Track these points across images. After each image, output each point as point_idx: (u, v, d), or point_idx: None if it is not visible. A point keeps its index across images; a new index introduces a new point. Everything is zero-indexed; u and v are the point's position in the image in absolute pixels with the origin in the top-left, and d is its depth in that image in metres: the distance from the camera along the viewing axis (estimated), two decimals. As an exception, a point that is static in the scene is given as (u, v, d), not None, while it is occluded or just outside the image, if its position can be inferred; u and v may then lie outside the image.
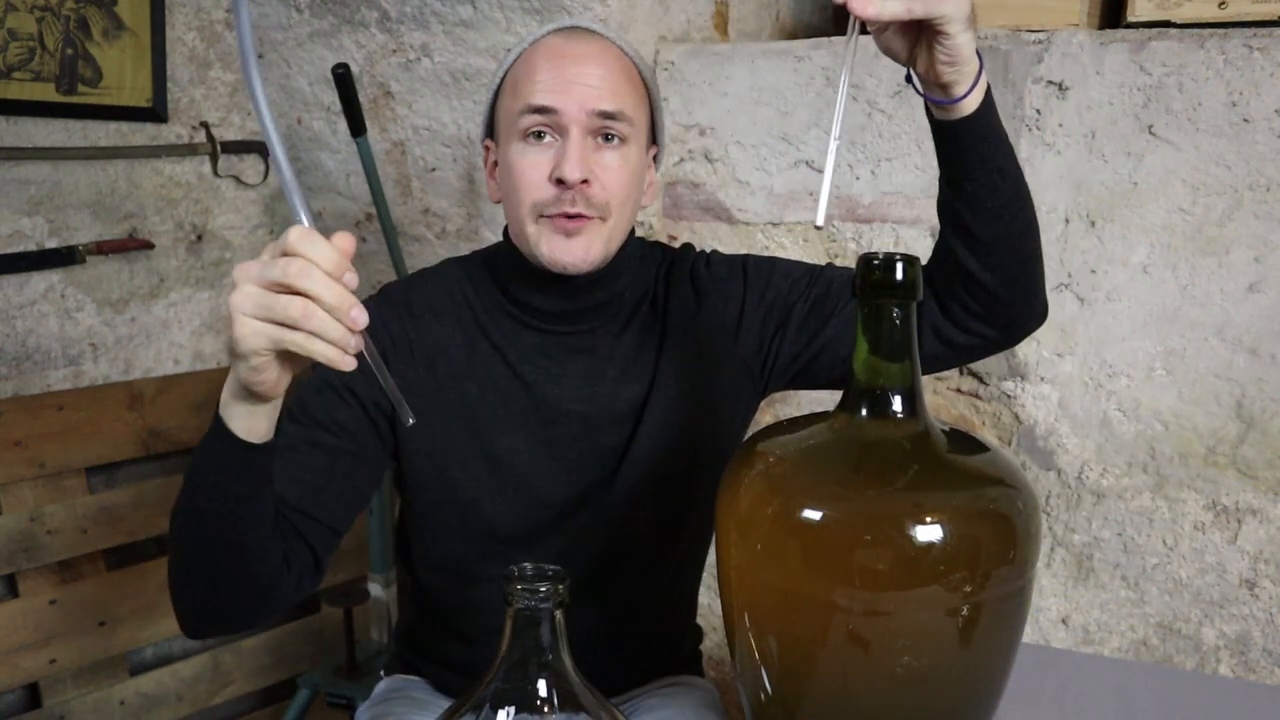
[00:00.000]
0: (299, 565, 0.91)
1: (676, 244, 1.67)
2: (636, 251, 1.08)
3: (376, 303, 1.04)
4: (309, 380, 0.99)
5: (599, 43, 1.00)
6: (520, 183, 0.97)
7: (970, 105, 0.85)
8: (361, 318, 0.68)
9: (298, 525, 0.92)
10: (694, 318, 1.08)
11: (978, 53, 0.82)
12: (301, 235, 0.67)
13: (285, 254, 0.67)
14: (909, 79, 0.86)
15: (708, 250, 1.15)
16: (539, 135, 0.96)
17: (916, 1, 0.73)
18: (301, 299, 0.66)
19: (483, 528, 1.04)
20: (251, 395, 0.74)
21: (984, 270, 0.94)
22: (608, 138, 0.98)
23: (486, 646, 0.64)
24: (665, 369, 1.06)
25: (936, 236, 0.99)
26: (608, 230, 0.99)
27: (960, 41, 0.79)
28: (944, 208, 0.95)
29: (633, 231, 1.06)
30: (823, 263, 1.12)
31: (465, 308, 1.05)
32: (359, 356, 0.70)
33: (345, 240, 0.69)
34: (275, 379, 0.72)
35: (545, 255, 0.97)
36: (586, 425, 1.04)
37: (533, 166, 0.96)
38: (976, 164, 0.89)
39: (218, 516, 0.82)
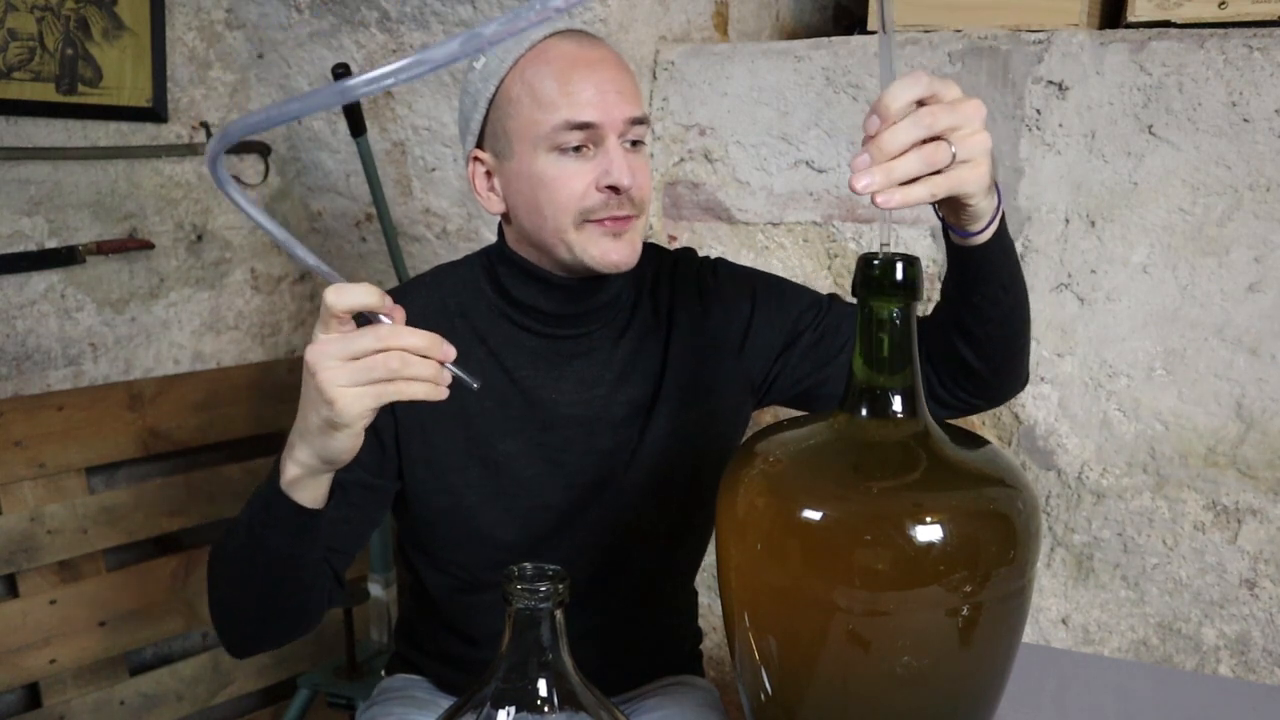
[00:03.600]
0: (328, 585, 0.97)
1: (676, 244, 1.68)
2: None
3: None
4: None
5: (601, 43, 1.00)
6: (562, 194, 0.96)
7: (985, 237, 0.87)
8: (451, 351, 0.75)
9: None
10: (700, 325, 1.08)
11: (996, 188, 0.82)
12: (366, 291, 0.73)
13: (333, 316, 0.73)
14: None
15: (713, 257, 1.15)
16: (577, 148, 0.96)
17: (939, 185, 0.72)
18: (397, 352, 0.73)
19: (483, 534, 1.04)
20: (327, 465, 0.80)
21: (978, 360, 0.98)
22: (634, 142, 0.98)
23: (488, 648, 0.64)
24: (670, 373, 1.06)
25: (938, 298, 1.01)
26: (642, 227, 1.01)
27: (981, 206, 0.80)
28: (947, 305, 0.97)
29: None
30: (825, 263, 1.12)
31: (459, 315, 1.05)
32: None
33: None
34: (360, 441, 0.78)
35: (595, 258, 0.98)
36: (584, 429, 1.04)
37: (575, 176, 0.96)
38: (983, 281, 0.92)
39: (274, 569, 0.89)
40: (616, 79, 0.97)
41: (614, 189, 0.96)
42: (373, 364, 0.73)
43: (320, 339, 0.74)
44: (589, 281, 1.01)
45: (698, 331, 1.08)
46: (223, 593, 0.94)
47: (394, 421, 1.00)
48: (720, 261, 1.14)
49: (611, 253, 0.98)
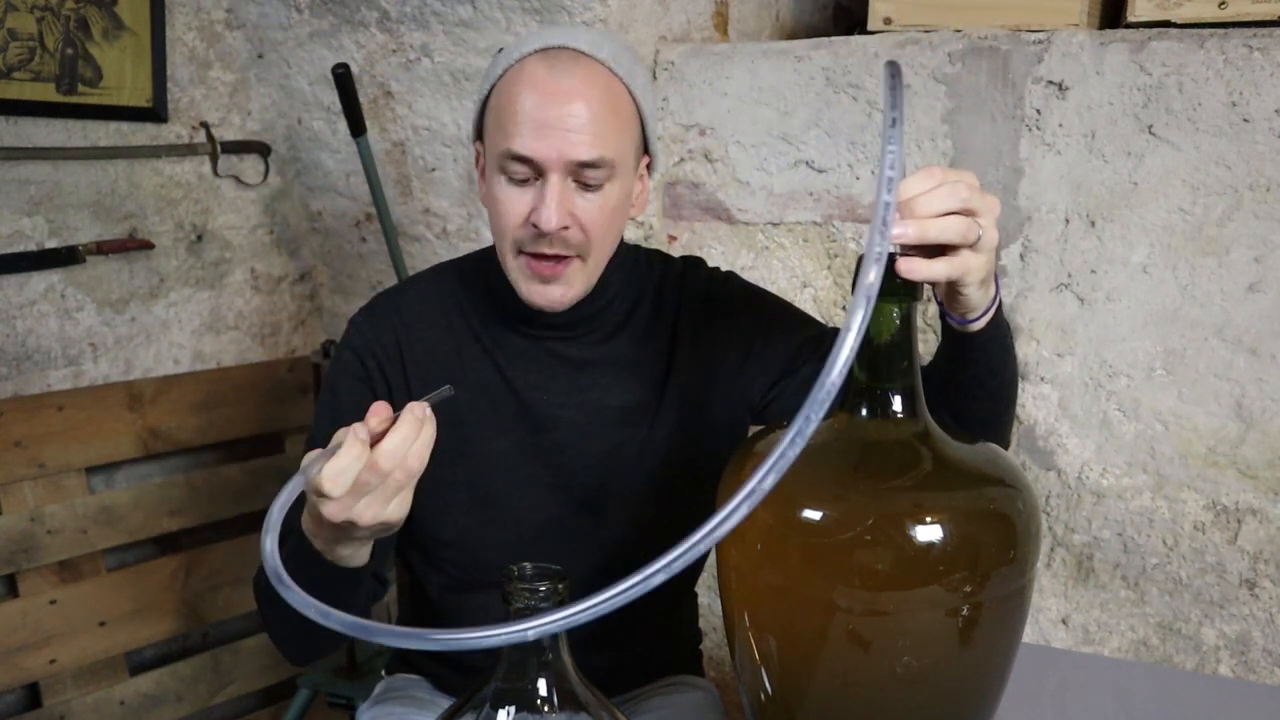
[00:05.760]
0: (371, 587, 0.99)
1: (677, 244, 1.68)
2: (627, 260, 1.08)
3: (366, 316, 1.06)
4: (319, 427, 1.03)
5: (583, 70, 0.94)
6: (502, 219, 0.96)
7: (978, 326, 0.88)
8: (423, 408, 0.76)
9: None
10: (705, 337, 1.07)
11: (996, 282, 0.85)
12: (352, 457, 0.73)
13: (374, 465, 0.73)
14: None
15: (724, 270, 1.14)
16: (521, 179, 0.94)
17: (954, 269, 0.75)
18: (410, 463, 0.75)
19: (472, 532, 1.04)
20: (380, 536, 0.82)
21: (958, 427, 0.98)
22: (586, 185, 0.95)
23: (480, 650, 0.64)
24: (674, 381, 1.06)
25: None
26: (589, 268, 0.99)
27: (974, 298, 0.82)
28: (936, 373, 0.97)
29: (620, 240, 1.05)
30: (825, 263, 1.12)
31: (457, 312, 1.05)
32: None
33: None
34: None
35: (523, 293, 0.98)
36: (576, 431, 1.04)
37: (515, 203, 0.95)
38: (972, 364, 0.93)
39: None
40: (581, 113, 0.92)
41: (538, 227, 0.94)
42: (397, 484, 0.75)
43: (330, 504, 0.74)
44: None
45: (702, 343, 1.07)
46: (273, 624, 0.97)
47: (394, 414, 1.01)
48: (731, 275, 1.13)
49: (537, 296, 0.98)
